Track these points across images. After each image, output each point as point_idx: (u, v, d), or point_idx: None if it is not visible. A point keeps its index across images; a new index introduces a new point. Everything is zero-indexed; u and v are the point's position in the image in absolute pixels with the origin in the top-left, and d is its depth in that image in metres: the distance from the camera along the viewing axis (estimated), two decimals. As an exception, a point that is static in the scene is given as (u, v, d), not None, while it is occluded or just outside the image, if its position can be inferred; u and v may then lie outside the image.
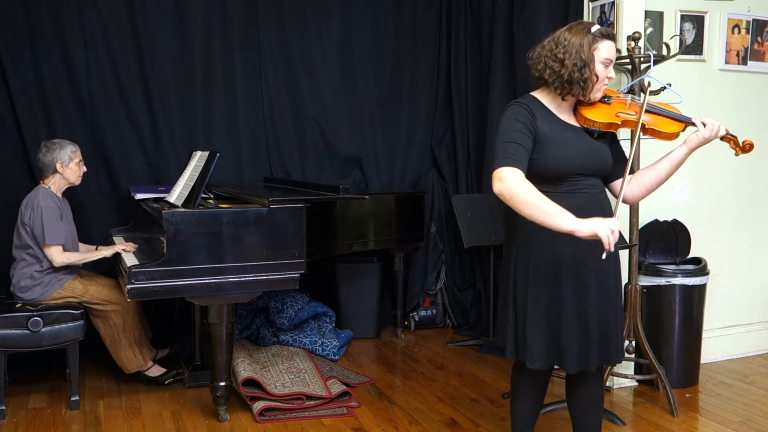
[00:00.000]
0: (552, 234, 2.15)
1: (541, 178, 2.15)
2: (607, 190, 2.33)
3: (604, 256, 2.00)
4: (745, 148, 2.24)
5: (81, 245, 3.60)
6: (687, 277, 3.50)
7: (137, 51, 4.09)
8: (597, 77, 2.16)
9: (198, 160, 3.39)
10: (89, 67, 3.98)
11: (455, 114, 4.81)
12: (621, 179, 2.29)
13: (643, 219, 3.58)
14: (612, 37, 2.19)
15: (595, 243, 2.07)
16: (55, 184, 3.42)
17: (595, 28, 2.17)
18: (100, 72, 4.01)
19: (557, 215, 1.99)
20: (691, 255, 3.72)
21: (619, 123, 2.21)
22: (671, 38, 3.61)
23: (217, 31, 4.30)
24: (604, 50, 2.16)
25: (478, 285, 4.72)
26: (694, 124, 2.23)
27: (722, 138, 2.23)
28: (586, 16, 3.67)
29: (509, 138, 2.12)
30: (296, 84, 4.53)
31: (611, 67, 2.19)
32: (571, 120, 2.25)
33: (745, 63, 3.96)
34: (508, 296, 2.28)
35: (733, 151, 2.28)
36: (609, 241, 1.94)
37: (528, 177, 2.10)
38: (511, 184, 2.03)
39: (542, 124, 2.17)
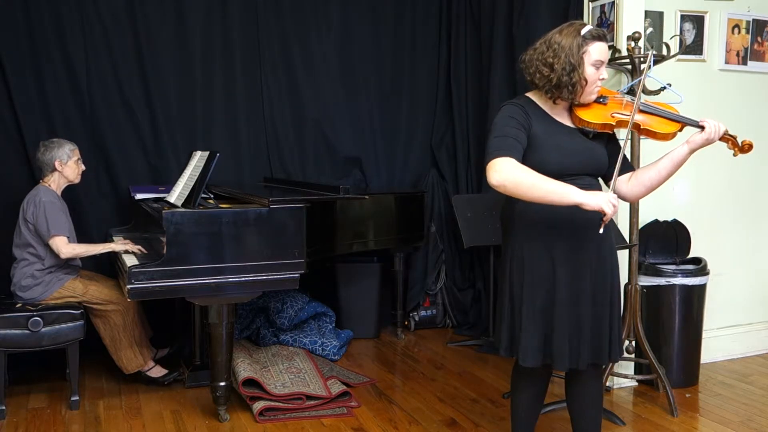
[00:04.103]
0: (548, 232, 2.17)
1: None
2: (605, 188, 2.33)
3: (601, 230, 2.06)
4: (744, 148, 2.23)
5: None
6: (687, 277, 3.50)
7: (137, 51, 4.09)
8: (587, 81, 2.15)
9: (198, 160, 3.39)
10: (89, 67, 3.98)
11: (455, 114, 4.81)
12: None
13: (643, 219, 3.58)
14: (603, 38, 2.17)
15: (591, 241, 2.09)
16: (55, 183, 3.43)
17: (586, 29, 2.15)
18: (100, 72, 4.01)
19: (563, 191, 2.03)
20: (691, 255, 3.72)
21: (614, 123, 2.21)
22: (671, 38, 3.61)
23: (217, 32, 4.30)
24: (595, 52, 2.14)
25: (478, 285, 4.72)
26: (692, 125, 2.23)
27: (721, 138, 2.21)
28: (586, 16, 3.67)
29: (502, 133, 2.13)
30: (296, 84, 4.53)
31: (603, 69, 2.18)
32: (565, 120, 2.25)
33: (745, 63, 3.96)
34: (504, 294, 2.30)
35: (732, 152, 2.27)
36: (611, 213, 2.01)
37: None
38: (510, 172, 2.04)
39: (537, 125, 2.17)
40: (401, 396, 3.49)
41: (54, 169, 3.40)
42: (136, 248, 3.41)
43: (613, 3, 3.47)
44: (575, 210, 2.14)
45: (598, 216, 2.13)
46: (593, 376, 2.34)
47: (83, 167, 3.53)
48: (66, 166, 3.41)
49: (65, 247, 3.28)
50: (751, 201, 4.07)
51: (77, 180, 3.51)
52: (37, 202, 3.29)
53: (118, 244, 3.45)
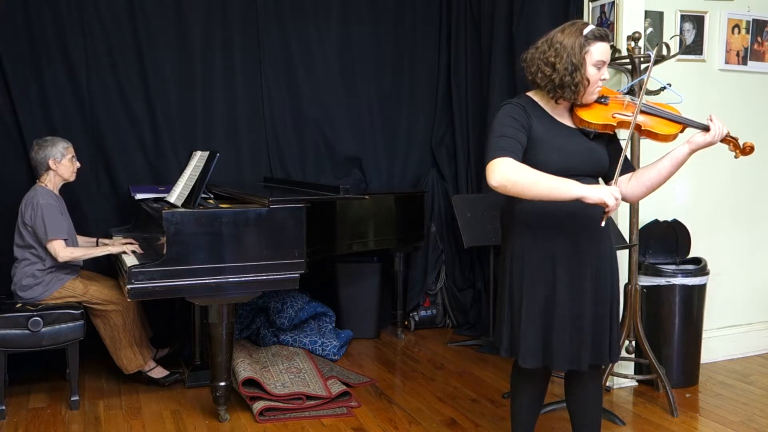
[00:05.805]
0: (548, 232, 2.16)
1: None
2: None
3: (603, 223, 2.05)
4: (746, 150, 2.23)
5: (80, 238, 3.61)
6: (687, 277, 3.50)
7: (137, 51, 4.09)
8: (588, 81, 2.14)
9: (198, 160, 3.39)
10: (89, 67, 3.98)
11: (455, 114, 4.81)
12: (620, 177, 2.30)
13: (643, 219, 3.58)
14: (605, 38, 2.16)
15: (591, 240, 2.08)
16: (51, 182, 3.43)
17: (588, 29, 2.14)
18: (100, 72, 4.01)
19: (564, 186, 2.00)
20: (691, 255, 3.72)
21: (615, 124, 2.20)
22: (671, 38, 3.61)
23: (217, 31, 4.30)
24: (597, 53, 2.13)
25: (478, 285, 4.72)
26: (694, 126, 2.22)
27: (722, 140, 2.21)
28: (586, 16, 3.67)
29: (502, 133, 2.12)
30: (296, 84, 4.53)
31: (605, 69, 2.17)
32: (566, 120, 2.25)
33: (745, 63, 3.96)
34: (504, 295, 2.29)
35: (733, 153, 2.26)
36: (614, 206, 1.98)
37: None
38: (508, 171, 2.02)
39: (537, 124, 2.17)
40: (401, 396, 3.49)
41: (48, 168, 3.40)
42: (134, 247, 3.41)
43: (613, 3, 3.47)
44: (575, 209, 2.13)
45: (599, 214, 2.13)
46: (593, 376, 2.34)
47: (78, 165, 3.52)
48: (60, 164, 3.41)
49: (63, 251, 3.28)
50: (751, 201, 4.07)
51: (72, 178, 3.51)
52: (35, 204, 3.28)
53: (115, 246, 3.45)
